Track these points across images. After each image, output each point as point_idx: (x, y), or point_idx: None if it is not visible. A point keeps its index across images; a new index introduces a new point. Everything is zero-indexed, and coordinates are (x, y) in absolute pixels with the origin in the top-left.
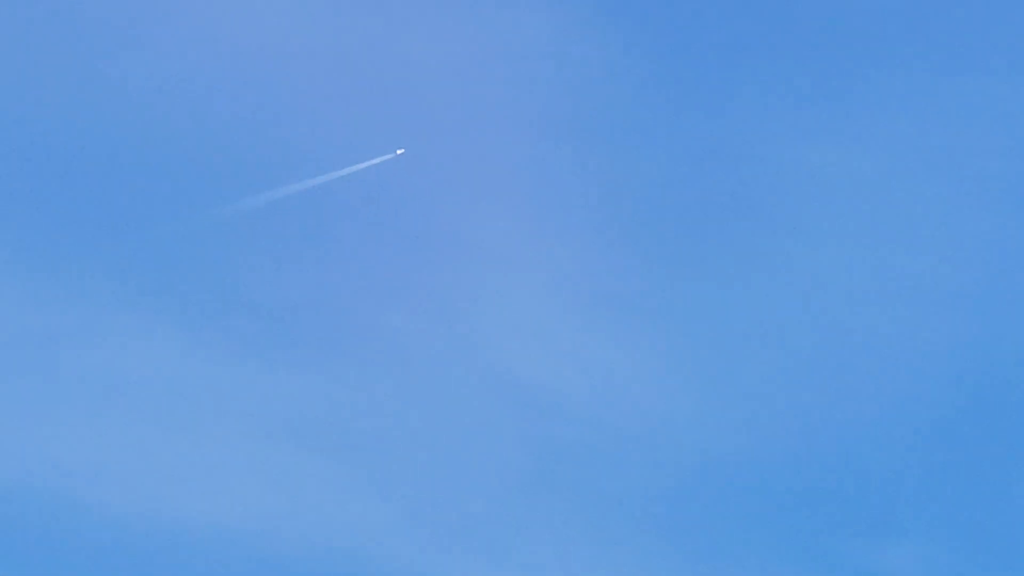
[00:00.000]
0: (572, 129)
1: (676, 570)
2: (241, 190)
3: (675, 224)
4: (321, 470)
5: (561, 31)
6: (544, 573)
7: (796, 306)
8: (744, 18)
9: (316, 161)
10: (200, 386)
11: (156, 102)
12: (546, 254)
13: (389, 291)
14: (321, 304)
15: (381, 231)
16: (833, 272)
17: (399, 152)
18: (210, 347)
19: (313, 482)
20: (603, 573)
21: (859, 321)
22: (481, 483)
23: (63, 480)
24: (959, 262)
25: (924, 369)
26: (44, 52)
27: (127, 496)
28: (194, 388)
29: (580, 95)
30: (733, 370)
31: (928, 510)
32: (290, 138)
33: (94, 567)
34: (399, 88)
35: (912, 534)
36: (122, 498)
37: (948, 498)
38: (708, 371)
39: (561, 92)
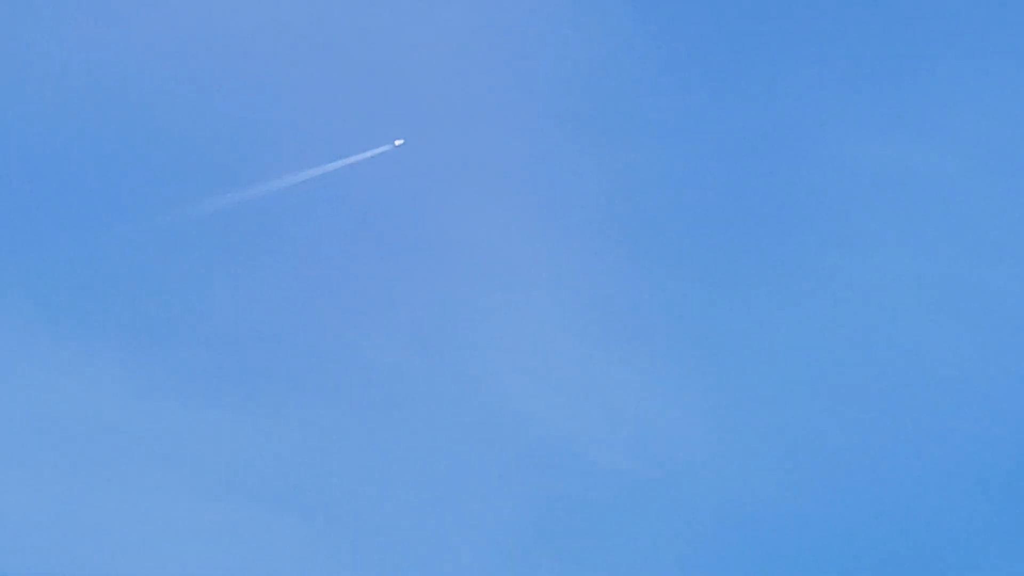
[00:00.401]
0: (585, 122)
1: None
2: (196, 190)
3: (704, 233)
4: (286, 531)
5: (571, 9)
6: None
7: (848, 330)
8: None
9: (294, 156)
10: (137, 429)
11: (101, 84)
12: (555, 269)
13: (370, 313)
14: (287, 329)
15: (360, 241)
16: (893, 289)
17: (398, 143)
18: (151, 381)
19: (276, 545)
20: None
21: (925, 347)
22: (477, 545)
23: None
24: None
25: (997, 405)
26: None
27: (46, 562)
28: (130, 432)
29: (592, 81)
30: (772, 407)
31: (987, 566)
32: (265, 129)
33: None
34: (389, 79)
35: None
36: (41, 565)
37: (1011, 551)
38: (742, 408)
39: (570, 78)
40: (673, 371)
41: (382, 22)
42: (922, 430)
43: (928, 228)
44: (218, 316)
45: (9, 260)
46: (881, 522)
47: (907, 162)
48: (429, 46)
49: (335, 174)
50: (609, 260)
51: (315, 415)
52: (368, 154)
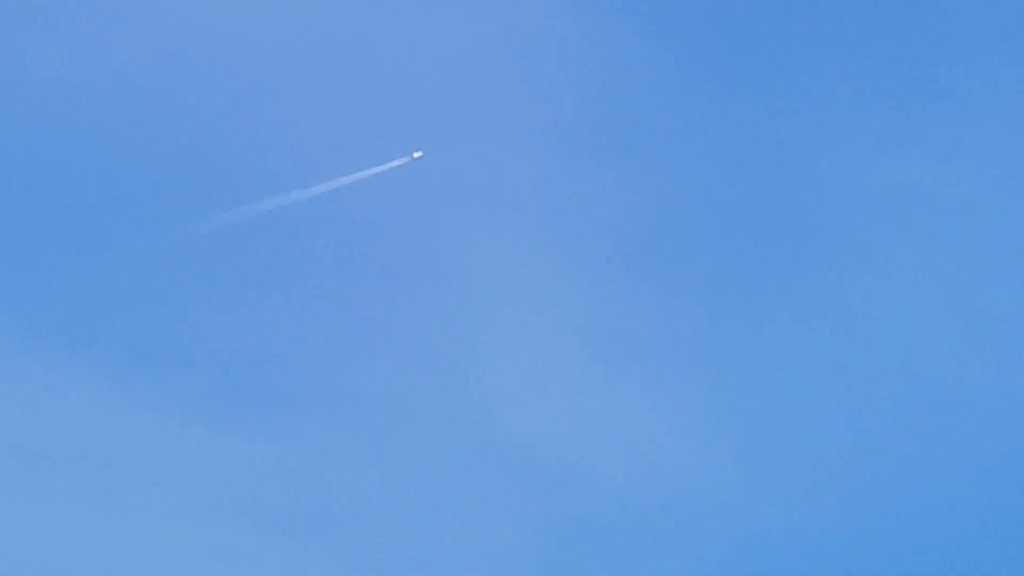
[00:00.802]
0: (591, 140)
1: None
2: (192, 207)
3: (711, 252)
4: (282, 557)
5: (584, 24)
6: None
7: (865, 356)
8: (808, 1)
9: (300, 170)
10: (131, 453)
11: (104, 97)
12: (561, 289)
13: (369, 335)
14: (283, 351)
15: (359, 259)
16: (913, 314)
17: (416, 155)
18: (144, 404)
19: (275, 567)
20: None
21: (943, 373)
22: (479, 568)
23: None
24: None
25: (1007, 423)
26: None
27: None
28: (123, 455)
29: (600, 99)
30: (785, 434)
31: None
32: (271, 143)
33: None
34: (397, 93)
35: None
36: None
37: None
38: (754, 435)
39: (578, 95)
40: (679, 392)
41: (387, 35)
42: (933, 451)
43: (937, 245)
44: (215, 335)
45: (5, 280)
46: (890, 544)
47: (916, 179)
48: (439, 61)
49: (342, 190)
50: (615, 279)
51: (313, 438)
52: (387, 166)
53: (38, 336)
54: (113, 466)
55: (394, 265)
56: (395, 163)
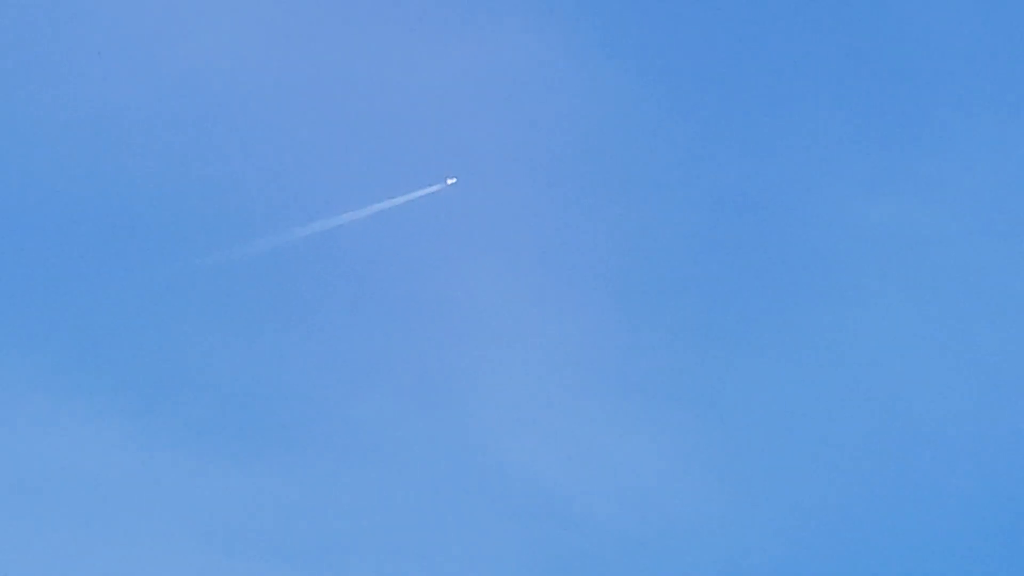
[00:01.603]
0: (583, 183)
1: None
2: (193, 244)
3: (703, 292)
4: None
5: (570, 60)
6: None
7: (852, 391)
8: (793, 43)
9: (306, 206)
10: (136, 484)
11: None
12: (553, 325)
13: (365, 369)
14: (283, 385)
15: (356, 296)
16: (897, 349)
17: (450, 182)
18: (150, 437)
19: None
20: None
21: (929, 408)
22: None
23: None
24: None
25: (1000, 466)
26: None
27: None
28: (128, 487)
29: (591, 142)
30: (776, 468)
31: None
32: (274, 181)
33: None
34: (389, 128)
35: None
36: None
37: None
38: (745, 469)
39: (568, 128)
40: (670, 427)
41: (373, 68)
42: (919, 483)
43: (928, 288)
44: (216, 370)
45: (14, 312)
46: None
47: (906, 222)
48: (432, 98)
49: (324, 233)
50: (607, 318)
51: (312, 470)
52: (420, 192)
53: (57, 371)
54: (120, 497)
55: (393, 301)
56: (429, 190)
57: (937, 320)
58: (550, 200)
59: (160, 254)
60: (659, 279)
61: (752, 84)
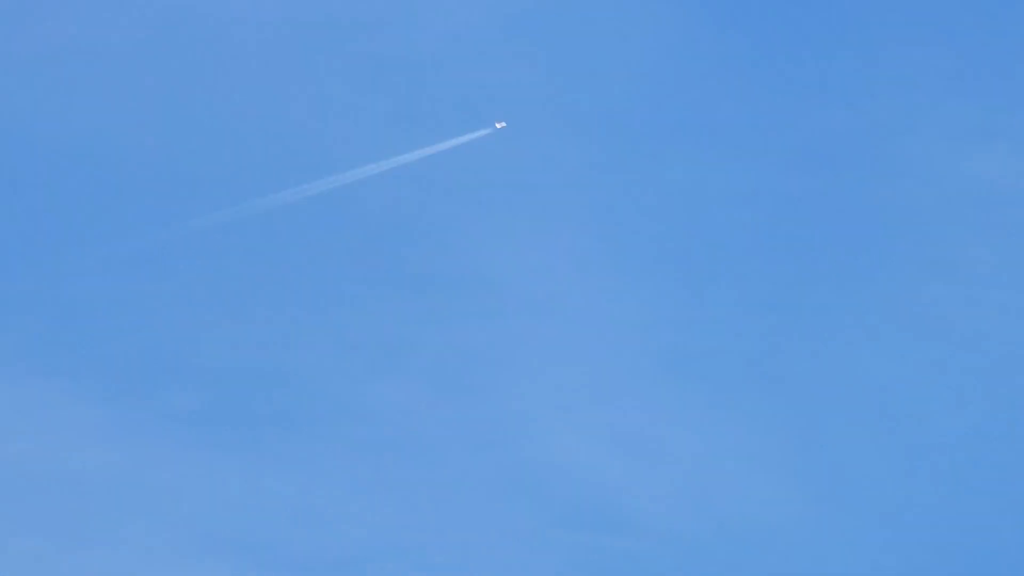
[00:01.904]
0: (643, 126)
1: None
2: (196, 201)
3: (782, 259)
4: None
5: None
6: None
7: (952, 373)
8: None
9: (331, 154)
10: (127, 479)
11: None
12: (603, 298)
13: (387, 351)
14: (291, 369)
15: (376, 261)
16: (1006, 325)
17: (499, 126)
18: (140, 427)
19: None
20: None
21: None
22: None
23: None
24: None
25: None
26: None
27: None
28: (118, 482)
29: (651, 78)
30: (865, 467)
31: None
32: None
33: None
34: (422, 80)
35: None
36: None
37: None
38: (823, 464)
39: (628, 73)
40: (739, 420)
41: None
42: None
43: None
44: (216, 352)
45: None
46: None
47: (1008, 177)
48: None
49: (343, 187)
50: (667, 290)
51: (327, 464)
52: (469, 136)
53: (27, 349)
54: (107, 493)
55: (418, 267)
56: (478, 134)
57: None
58: (605, 153)
59: (152, 214)
60: (728, 245)
61: (834, 25)
